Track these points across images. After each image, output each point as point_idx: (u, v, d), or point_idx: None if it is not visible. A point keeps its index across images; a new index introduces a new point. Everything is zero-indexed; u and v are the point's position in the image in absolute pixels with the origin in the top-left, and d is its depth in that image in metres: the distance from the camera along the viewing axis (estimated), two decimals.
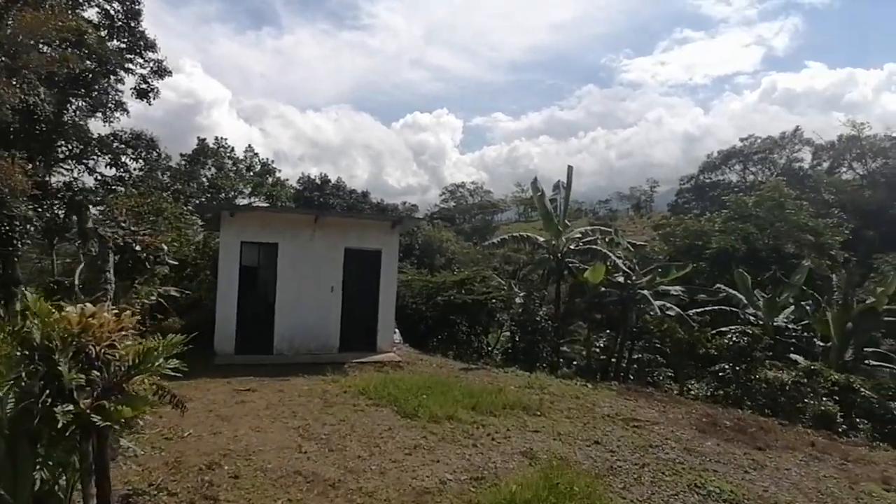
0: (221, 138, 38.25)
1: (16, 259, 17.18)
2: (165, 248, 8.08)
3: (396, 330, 13.13)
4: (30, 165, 15.00)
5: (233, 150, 38.51)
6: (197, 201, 22.16)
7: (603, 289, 15.28)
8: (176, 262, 8.42)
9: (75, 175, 22.11)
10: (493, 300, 15.01)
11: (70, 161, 20.69)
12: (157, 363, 3.93)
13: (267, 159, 39.16)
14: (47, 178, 20.12)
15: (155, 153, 21.85)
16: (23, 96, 13.97)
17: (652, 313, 13.47)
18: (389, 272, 12.34)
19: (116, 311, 4.01)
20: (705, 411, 9.76)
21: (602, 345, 16.99)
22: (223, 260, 10.98)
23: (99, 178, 22.55)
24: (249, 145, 40.82)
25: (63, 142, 19.64)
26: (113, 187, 22.85)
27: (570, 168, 16.10)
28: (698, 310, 16.36)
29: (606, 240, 16.11)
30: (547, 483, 5.55)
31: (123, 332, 3.90)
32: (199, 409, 7.32)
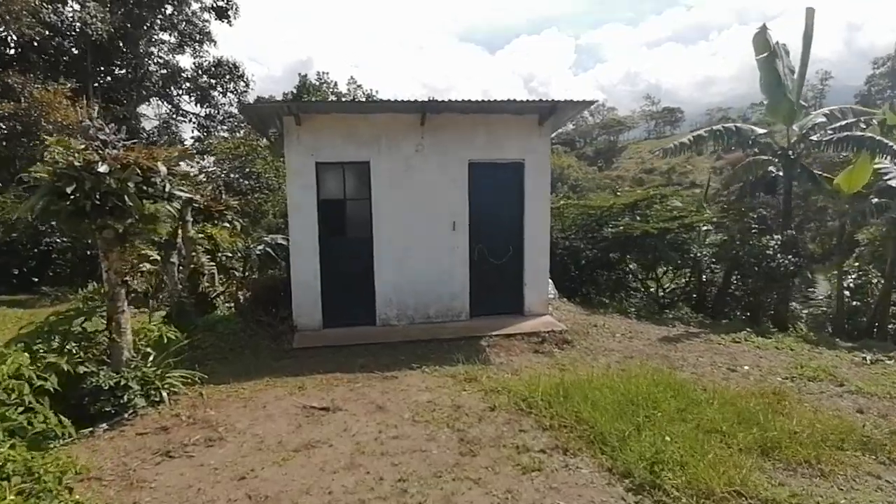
0: (323, 73, 35.63)
1: None
2: (164, 170, 4.47)
3: (549, 280, 8.92)
4: (89, 99, 12.80)
5: (335, 84, 35.76)
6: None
7: (875, 199, 9.60)
8: (188, 195, 4.88)
9: (168, 118, 20.35)
10: (684, 227, 10.07)
11: (155, 99, 18.75)
12: None
13: (371, 90, 35.97)
14: (135, 122, 18.32)
15: (242, 83, 19.22)
16: (58, 11, 11.41)
17: None
18: (538, 194, 8.01)
19: None
20: None
21: (850, 285, 11.36)
22: (293, 191, 7.39)
23: (193, 119, 20.63)
24: (351, 76, 37.99)
25: (133, 73, 17.41)
26: (208, 129, 20.88)
27: (809, 11, 10.09)
28: None
29: (875, 122, 10.13)
30: None
31: None
32: (224, 470, 3.80)
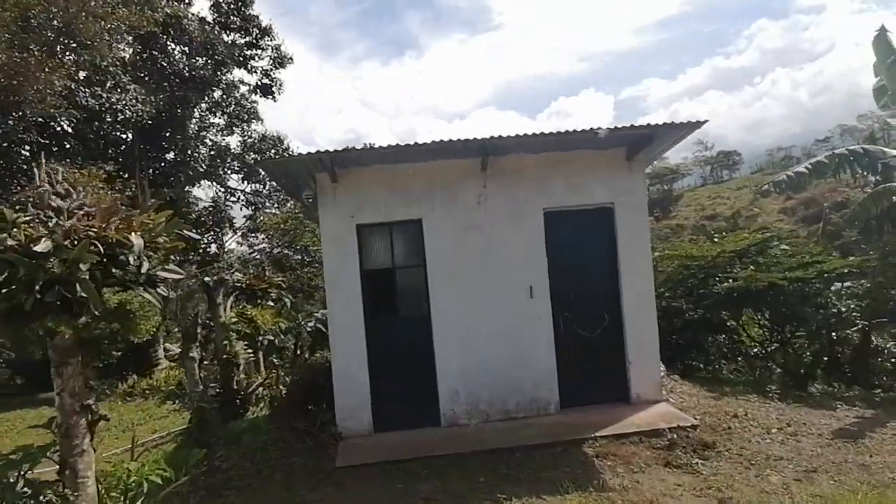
0: (370, 144, 35.89)
1: None
2: (139, 243, 3.15)
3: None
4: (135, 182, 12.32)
5: None
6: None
7: None
8: (180, 274, 3.54)
9: (217, 198, 20.23)
10: (820, 276, 7.93)
11: (203, 180, 18.63)
12: None
13: None
14: (184, 205, 18.11)
15: (287, 155, 18.93)
16: (96, 95, 11.17)
17: None
18: (636, 246, 6.31)
19: None
20: None
21: None
22: (330, 261, 6.03)
23: (241, 197, 20.42)
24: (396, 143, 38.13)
25: (181, 155, 17.30)
26: (256, 205, 20.57)
27: None
28: None
29: None
30: None
31: None
32: None
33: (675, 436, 5.24)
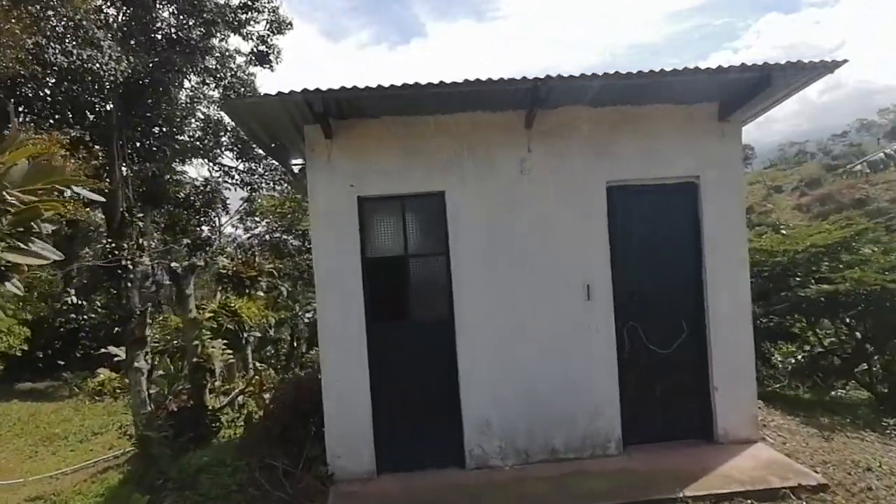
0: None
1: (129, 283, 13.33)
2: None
3: None
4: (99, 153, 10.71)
5: None
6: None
7: None
8: (48, 259, 2.05)
9: (210, 178, 18.73)
10: None
11: (195, 158, 17.09)
12: None
13: None
14: (170, 182, 16.61)
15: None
16: (67, 52, 9.56)
17: None
18: (727, 234, 4.75)
19: None
20: None
21: None
22: (321, 245, 4.49)
23: (236, 176, 18.90)
24: (415, 83, 36.59)
25: (168, 127, 15.71)
26: (252, 185, 19.07)
27: None
28: None
29: None
30: None
31: None
32: None
33: (801, 502, 3.72)
